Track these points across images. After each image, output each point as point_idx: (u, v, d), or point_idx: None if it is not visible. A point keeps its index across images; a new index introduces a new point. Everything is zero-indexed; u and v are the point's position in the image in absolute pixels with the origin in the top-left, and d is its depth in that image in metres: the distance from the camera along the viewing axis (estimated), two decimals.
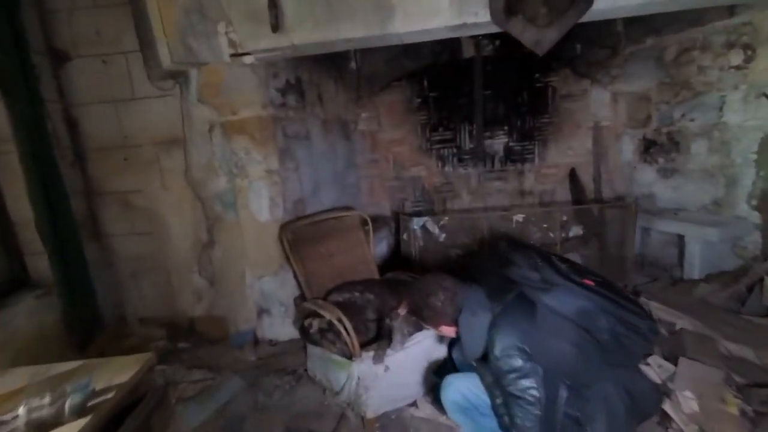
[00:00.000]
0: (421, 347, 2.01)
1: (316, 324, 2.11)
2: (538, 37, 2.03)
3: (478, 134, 3.71)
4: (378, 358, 1.88)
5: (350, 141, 3.67)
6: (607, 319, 1.44)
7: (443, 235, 2.80)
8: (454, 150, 3.77)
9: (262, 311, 2.76)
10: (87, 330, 2.64)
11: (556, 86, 3.61)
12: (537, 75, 3.59)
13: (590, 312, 1.43)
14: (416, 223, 2.74)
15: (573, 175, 3.74)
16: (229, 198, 2.68)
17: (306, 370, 2.41)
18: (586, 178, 3.74)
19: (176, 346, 2.90)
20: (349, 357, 1.95)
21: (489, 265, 1.62)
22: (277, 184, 2.63)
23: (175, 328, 3.00)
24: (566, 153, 3.75)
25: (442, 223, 2.75)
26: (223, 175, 2.66)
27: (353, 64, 3.51)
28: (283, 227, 2.38)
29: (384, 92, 3.67)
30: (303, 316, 2.24)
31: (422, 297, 1.53)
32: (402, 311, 1.84)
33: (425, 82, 3.65)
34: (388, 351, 1.93)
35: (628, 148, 3.62)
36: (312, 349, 2.24)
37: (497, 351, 1.36)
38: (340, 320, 1.96)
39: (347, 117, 3.59)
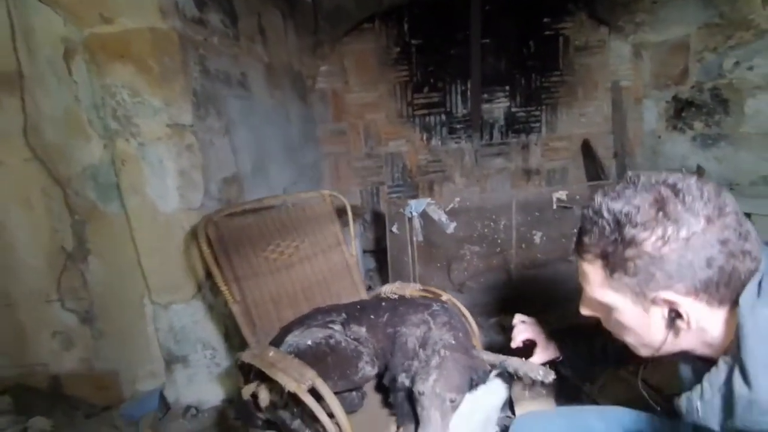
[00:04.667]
0: (473, 420, 1.09)
1: (265, 395, 1.11)
2: None
3: (474, 96, 2.87)
4: None
5: (307, 105, 2.67)
6: None
7: (452, 225, 1.91)
8: (444, 117, 2.90)
9: (173, 360, 1.69)
10: None
11: (569, 35, 2.86)
12: (546, 20, 2.82)
13: None
14: (415, 208, 1.82)
15: (587, 149, 3.02)
16: (109, 176, 1.59)
17: None
18: (601, 152, 3.04)
19: (25, 426, 1.75)
20: None
21: None
22: (192, 150, 1.58)
23: (27, 394, 1.83)
24: (579, 121, 3.02)
25: (451, 206, 1.85)
26: (96, 135, 1.57)
27: None
28: (207, 221, 1.34)
29: (351, 38, 2.72)
30: (242, 378, 1.23)
31: None
32: None
33: (406, 26, 2.74)
34: None
35: (651, 114, 2.96)
36: None
37: None
38: (313, 392, 0.98)
39: (302, 69, 2.59)
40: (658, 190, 0.59)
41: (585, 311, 0.75)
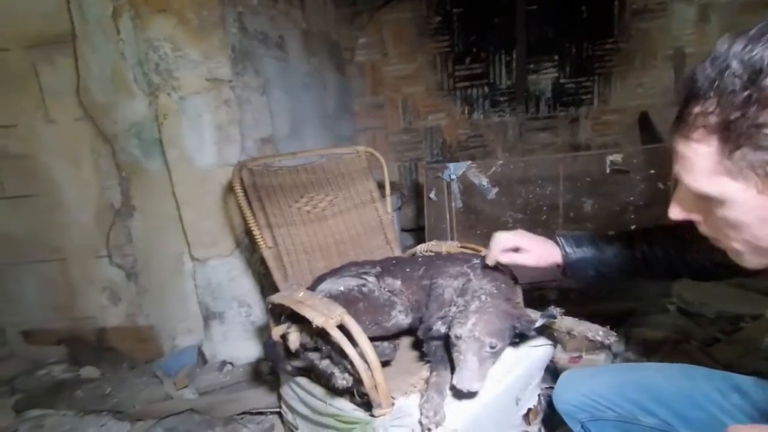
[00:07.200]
0: (513, 374, 1.01)
1: (295, 337, 1.07)
2: None
3: (518, 67, 2.72)
4: (431, 411, 0.86)
5: (344, 76, 2.64)
6: None
7: (494, 191, 1.80)
8: (486, 89, 2.78)
9: (210, 316, 1.71)
10: None
11: None
12: None
13: None
14: (453, 171, 1.73)
15: (645, 122, 2.78)
16: (152, 132, 1.63)
17: (280, 414, 1.38)
18: (660, 127, 2.79)
19: (78, 374, 1.84)
20: (367, 405, 0.93)
21: None
22: (229, 105, 1.59)
23: (78, 345, 1.93)
24: (635, 92, 2.79)
25: (493, 169, 1.74)
26: (141, 93, 1.61)
27: None
28: (241, 166, 1.34)
29: (390, 7, 2.65)
30: (272, 322, 1.21)
31: None
32: None
33: None
34: (448, 392, 0.91)
35: None
36: (289, 383, 1.20)
37: None
38: (342, 327, 0.94)
39: (339, 40, 2.56)
40: None
41: (677, 212, 0.58)
